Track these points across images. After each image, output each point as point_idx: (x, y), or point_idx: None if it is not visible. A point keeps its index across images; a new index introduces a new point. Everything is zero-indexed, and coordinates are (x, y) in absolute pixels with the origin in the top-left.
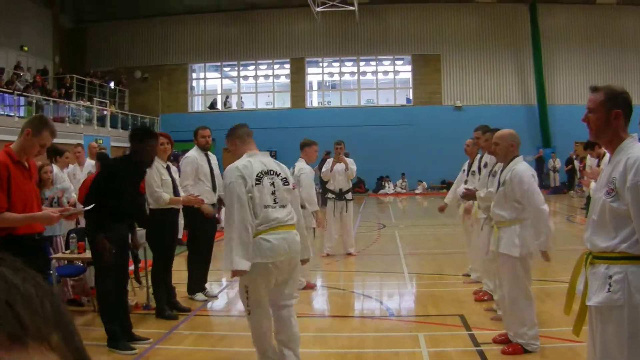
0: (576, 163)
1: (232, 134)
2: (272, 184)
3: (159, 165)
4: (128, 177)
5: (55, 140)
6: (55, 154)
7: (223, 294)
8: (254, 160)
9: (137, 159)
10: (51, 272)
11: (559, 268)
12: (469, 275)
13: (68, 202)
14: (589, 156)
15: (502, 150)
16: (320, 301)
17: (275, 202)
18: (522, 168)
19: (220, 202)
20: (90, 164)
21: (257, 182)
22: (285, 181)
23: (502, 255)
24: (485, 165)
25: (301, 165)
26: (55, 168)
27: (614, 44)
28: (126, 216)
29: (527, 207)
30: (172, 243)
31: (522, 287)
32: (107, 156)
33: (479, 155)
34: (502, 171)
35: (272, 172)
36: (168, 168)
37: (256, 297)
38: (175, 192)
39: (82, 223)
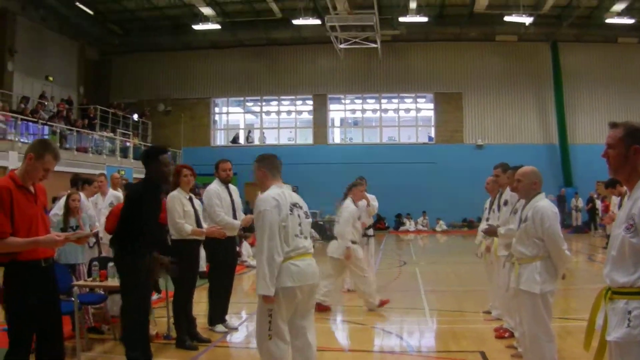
0: (597, 202)
1: (264, 163)
2: (299, 215)
3: (181, 196)
4: (153, 201)
5: (78, 170)
6: (84, 182)
7: (243, 326)
8: (285, 192)
9: (156, 178)
10: (72, 299)
11: (580, 306)
12: (490, 312)
13: (91, 230)
14: (613, 195)
15: (524, 187)
16: (341, 336)
17: (301, 233)
18: (545, 205)
19: (240, 236)
20: (112, 194)
21: (290, 212)
22: (307, 215)
23: (522, 292)
24: (506, 203)
25: (347, 202)
26: (82, 196)
27: (635, 82)
28: (154, 243)
29: (548, 245)
30: (194, 274)
31: (542, 324)
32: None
33: (499, 193)
34: (523, 208)
35: (297, 205)
36: (191, 199)
37: (279, 322)
38: (198, 224)
39: (104, 252)
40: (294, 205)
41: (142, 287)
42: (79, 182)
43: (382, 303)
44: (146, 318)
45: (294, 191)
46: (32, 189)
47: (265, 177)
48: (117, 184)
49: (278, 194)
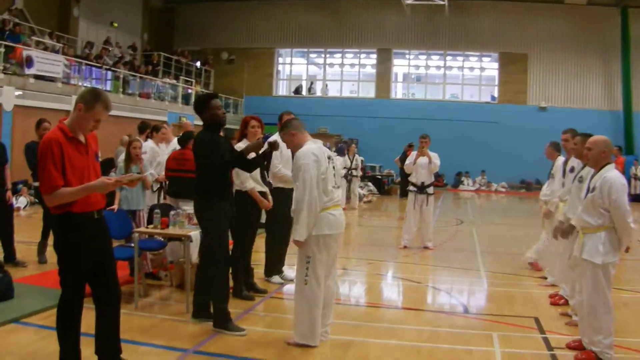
0: None
1: (290, 127)
2: (334, 167)
3: None
4: (223, 143)
5: (140, 116)
6: (153, 129)
7: None
8: (320, 146)
9: (213, 122)
10: (132, 244)
11: (638, 277)
12: (546, 278)
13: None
14: None
15: (594, 156)
16: (394, 293)
17: (336, 184)
18: (614, 176)
19: None
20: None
21: (327, 165)
22: (336, 168)
23: (584, 261)
24: (572, 169)
25: None
26: (151, 143)
27: None
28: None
29: (614, 216)
30: (255, 224)
31: (601, 295)
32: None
33: (561, 159)
34: (592, 177)
35: (331, 159)
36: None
37: (316, 267)
38: (262, 176)
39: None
40: (329, 158)
41: (225, 235)
42: (147, 128)
43: None
44: (227, 268)
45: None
46: (82, 138)
47: (296, 137)
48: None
49: (316, 149)
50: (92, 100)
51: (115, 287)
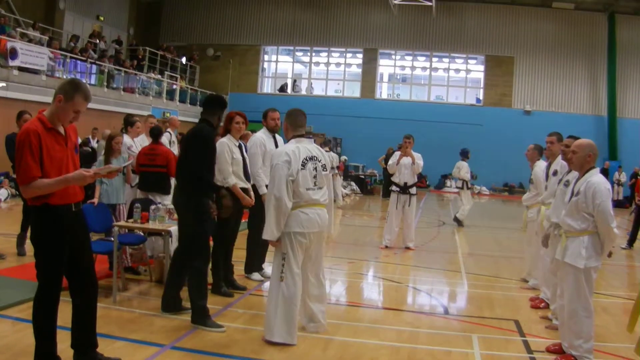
0: None
1: (288, 118)
2: (315, 168)
3: (230, 143)
4: (213, 144)
5: (124, 110)
6: (127, 124)
7: None
8: (301, 147)
9: (213, 125)
10: (112, 238)
11: (617, 283)
12: (526, 281)
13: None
14: None
15: (579, 159)
16: (375, 292)
17: (315, 185)
18: (598, 181)
19: None
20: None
21: (302, 167)
22: (324, 167)
23: (566, 265)
24: (555, 173)
25: None
26: (126, 138)
27: None
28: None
29: (597, 221)
30: (236, 221)
31: (583, 299)
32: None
33: (542, 164)
34: (577, 181)
35: (315, 159)
36: (240, 147)
37: (291, 264)
38: (245, 172)
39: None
40: (310, 158)
41: (207, 230)
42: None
43: None
44: (207, 264)
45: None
46: (61, 130)
47: (287, 130)
48: (177, 125)
49: (292, 150)
50: (72, 90)
51: (92, 280)
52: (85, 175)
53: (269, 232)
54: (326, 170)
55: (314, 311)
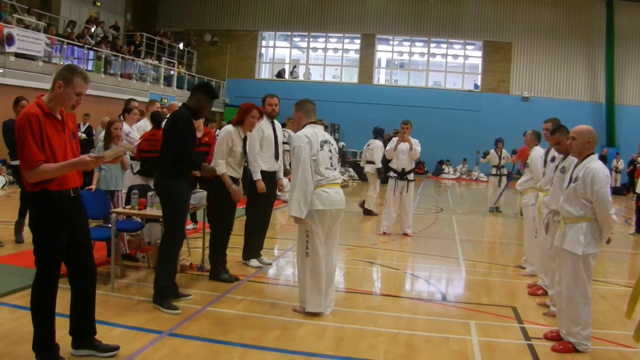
0: None
1: (301, 106)
2: (330, 150)
3: (235, 134)
4: (188, 128)
5: (121, 96)
6: (124, 110)
7: (277, 262)
8: (317, 131)
9: (193, 109)
10: (109, 225)
11: (614, 270)
12: (523, 268)
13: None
14: None
15: (578, 145)
16: (372, 279)
17: (331, 165)
18: (597, 167)
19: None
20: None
21: (320, 148)
22: (336, 150)
23: (565, 251)
24: (553, 159)
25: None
26: (124, 125)
27: None
28: (191, 171)
29: (596, 208)
30: (232, 207)
31: (581, 286)
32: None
33: (539, 150)
34: (575, 167)
35: (328, 142)
36: (245, 139)
37: (314, 240)
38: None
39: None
40: (325, 142)
41: (180, 215)
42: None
43: None
44: (178, 248)
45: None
46: (59, 116)
47: (300, 118)
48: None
49: (310, 133)
50: (69, 74)
51: (91, 266)
52: (88, 161)
53: (297, 209)
54: (337, 155)
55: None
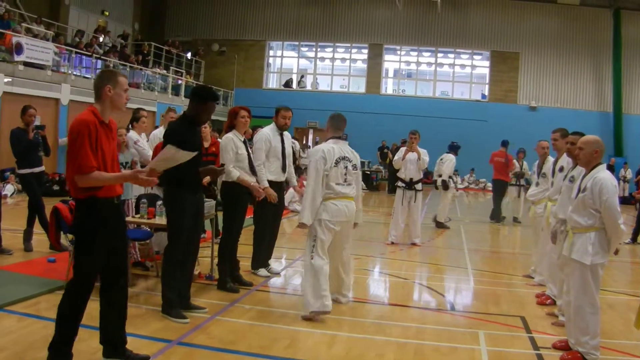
0: None
1: (331, 120)
2: (346, 167)
3: (235, 138)
4: (190, 138)
5: (128, 105)
6: (132, 119)
7: (285, 272)
8: (336, 147)
9: (191, 116)
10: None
11: (622, 280)
12: (532, 277)
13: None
14: None
15: (585, 155)
16: (381, 289)
17: (344, 182)
18: (605, 177)
19: (287, 183)
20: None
21: (335, 165)
22: (355, 167)
23: (573, 261)
24: (562, 169)
25: None
26: (132, 133)
27: None
28: (198, 182)
29: (604, 218)
30: (242, 216)
31: (589, 296)
32: None
33: (551, 159)
34: (583, 177)
35: (346, 159)
36: (245, 142)
37: (320, 246)
38: (251, 167)
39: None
40: (342, 158)
41: (185, 227)
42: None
43: None
44: (188, 258)
45: (342, 139)
46: (109, 125)
47: (327, 131)
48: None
49: (328, 149)
50: (111, 76)
51: (125, 274)
52: (139, 177)
53: (305, 216)
54: (356, 170)
55: (345, 282)
